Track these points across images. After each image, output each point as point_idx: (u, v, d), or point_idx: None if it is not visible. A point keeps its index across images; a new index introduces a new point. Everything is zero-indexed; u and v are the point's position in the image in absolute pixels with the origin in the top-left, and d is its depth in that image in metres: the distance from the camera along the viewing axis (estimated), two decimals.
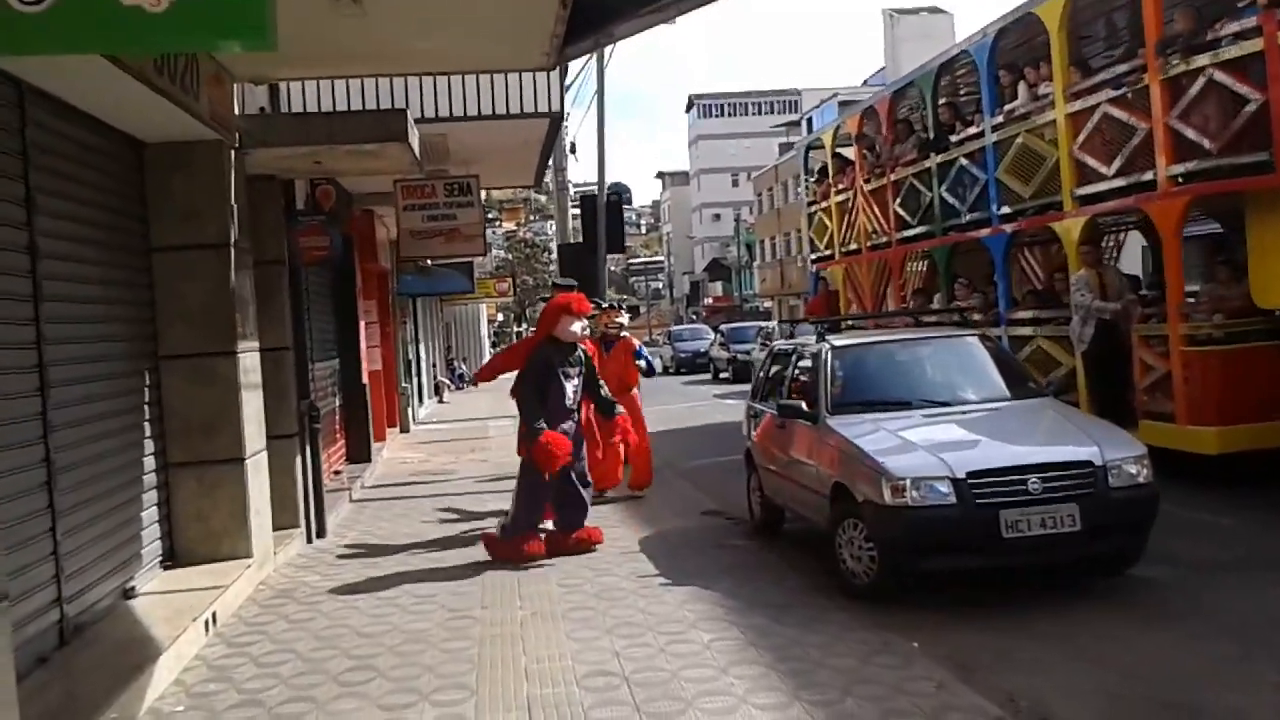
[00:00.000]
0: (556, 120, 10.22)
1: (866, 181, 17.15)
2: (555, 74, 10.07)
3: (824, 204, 19.40)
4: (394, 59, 8.02)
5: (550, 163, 24.01)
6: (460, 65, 8.16)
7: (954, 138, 14.26)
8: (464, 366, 37.05)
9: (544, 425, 8.51)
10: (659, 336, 50.90)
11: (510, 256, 47.30)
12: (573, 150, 24.12)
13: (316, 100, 9.70)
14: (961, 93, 16.16)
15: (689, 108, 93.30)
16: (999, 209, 13.13)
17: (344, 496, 12.24)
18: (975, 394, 7.85)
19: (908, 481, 6.58)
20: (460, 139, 11.15)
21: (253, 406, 8.19)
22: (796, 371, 8.78)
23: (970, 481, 6.53)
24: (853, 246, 18.08)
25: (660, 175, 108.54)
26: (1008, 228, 13.08)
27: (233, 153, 8.03)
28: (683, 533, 9.52)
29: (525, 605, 7.19)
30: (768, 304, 66.22)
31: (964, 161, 13.89)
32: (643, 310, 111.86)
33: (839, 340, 8.48)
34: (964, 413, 7.53)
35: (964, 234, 14.13)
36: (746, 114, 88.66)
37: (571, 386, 8.91)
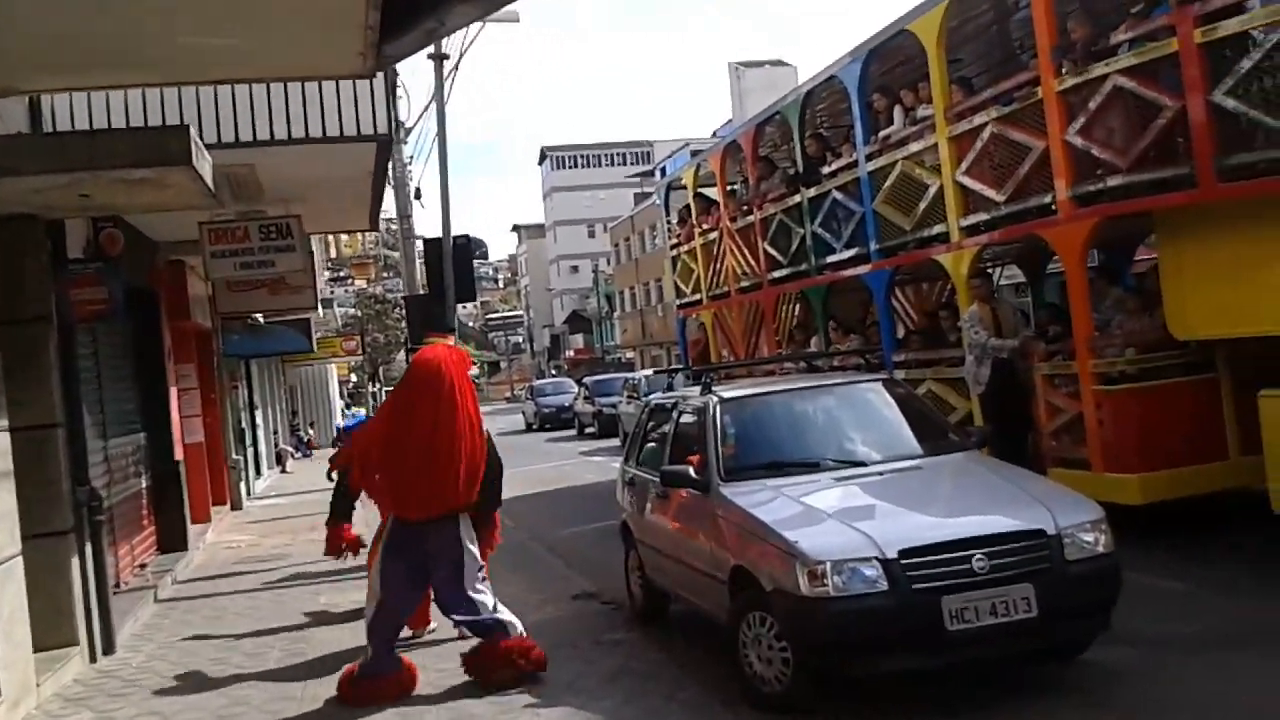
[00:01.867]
0: (385, 145, 8.76)
1: (733, 220, 16.08)
2: (380, 91, 8.61)
3: (687, 246, 18.28)
4: (175, 63, 6.46)
5: (394, 208, 22.50)
6: (260, 71, 6.66)
7: (825, 169, 13.27)
8: (311, 431, 34.74)
9: None
10: (520, 392, 49.14)
11: (359, 313, 45.04)
12: (418, 196, 22.50)
13: (89, 122, 8.00)
14: (825, 124, 15.29)
15: (541, 159, 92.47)
16: (877, 244, 12.14)
17: (148, 597, 10.36)
18: (891, 449, 6.61)
19: (828, 565, 5.27)
20: (274, 171, 9.56)
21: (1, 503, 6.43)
22: (678, 430, 7.45)
23: (904, 562, 5.26)
24: (721, 290, 16.97)
25: (516, 228, 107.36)
26: (888, 264, 12.10)
27: None
28: (552, 625, 8.03)
29: None
30: (630, 354, 65.39)
31: (837, 194, 12.89)
32: (503, 365, 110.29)
33: (727, 392, 7.17)
34: (880, 473, 6.28)
35: (840, 272, 13.11)
36: (600, 165, 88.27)
37: None
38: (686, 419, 7.30)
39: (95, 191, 7.21)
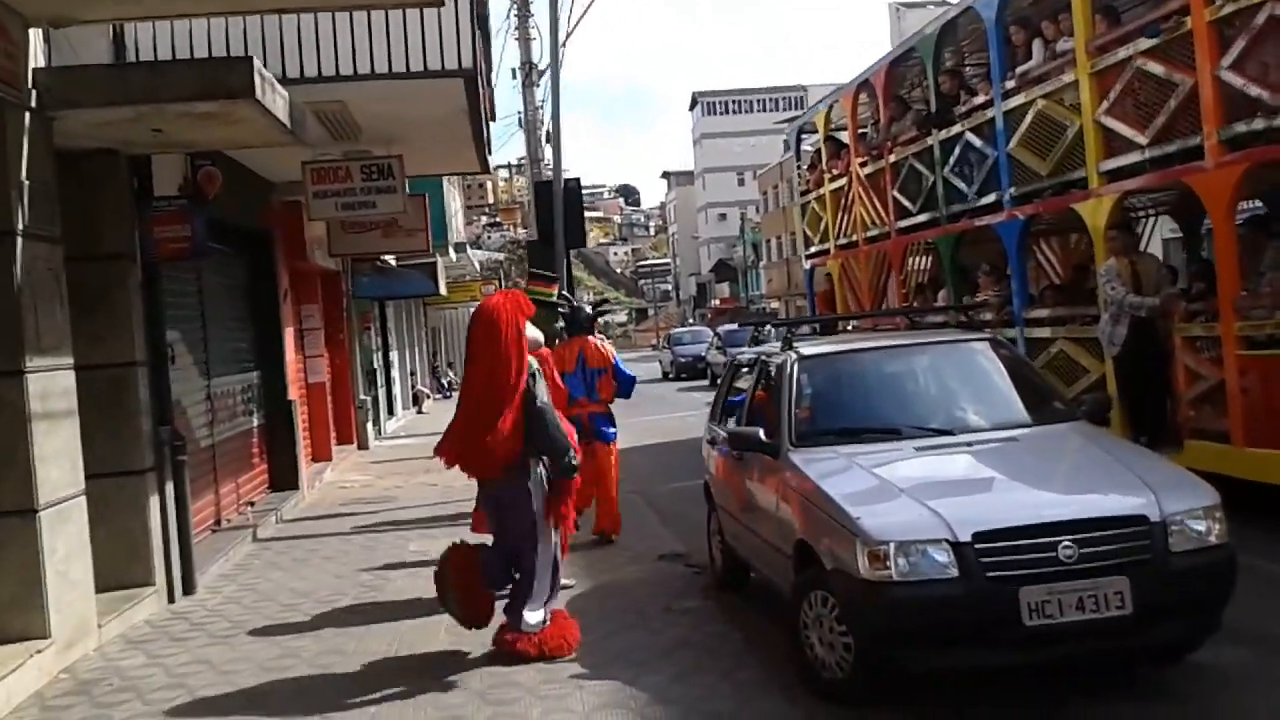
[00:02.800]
0: (471, 80, 8.37)
1: (863, 165, 15.26)
2: (465, 21, 8.21)
3: (817, 193, 17.51)
4: None
5: (526, 153, 22.30)
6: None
7: (959, 109, 12.37)
8: (451, 373, 35.24)
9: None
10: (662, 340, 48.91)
11: (502, 257, 45.41)
12: (548, 139, 22.25)
13: (172, 55, 7.80)
14: (968, 62, 14.27)
15: (693, 105, 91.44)
16: (1011, 190, 11.25)
17: (246, 536, 10.43)
18: (985, 418, 5.95)
19: (891, 546, 4.72)
20: (366, 109, 9.31)
21: (58, 441, 6.38)
22: (758, 388, 6.93)
23: (979, 546, 4.66)
24: (849, 239, 16.19)
25: (665, 175, 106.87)
26: (1022, 212, 11.20)
27: (27, 115, 6.23)
28: (627, 588, 7.68)
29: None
30: (774, 304, 64.36)
31: (970, 137, 12.00)
32: (650, 313, 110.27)
33: (808, 348, 6.59)
34: (969, 445, 5.64)
35: (972, 221, 12.24)
36: (751, 111, 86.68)
37: None
38: (766, 376, 6.77)
39: (166, 126, 7.07)
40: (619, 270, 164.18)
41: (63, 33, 7.36)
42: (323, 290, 16.78)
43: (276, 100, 7.04)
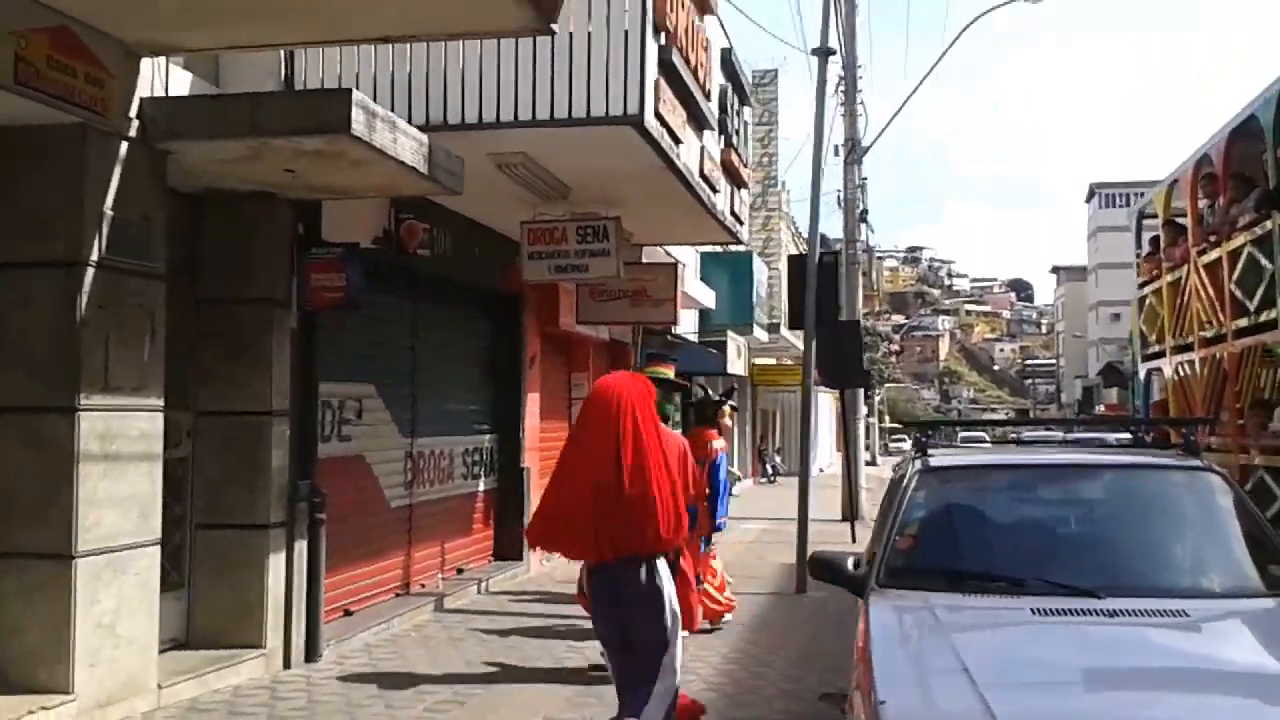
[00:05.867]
0: (639, 126, 7.49)
1: (1200, 254, 12.88)
2: (636, 64, 7.35)
3: (1153, 286, 15.08)
4: (319, 15, 5.75)
5: (844, 229, 21.06)
6: (406, 26, 5.79)
7: None
8: (778, 458, 34.25)
9: None
10: None
11: None
12: (863, 218, 21.03)
13: (356, 86, 7.51)
14: None
15: (1089, 197, 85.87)
16: None
17: (429, 604, 9.97)
18: (1153, 578, 4.24)
19: None
20: (553, 163, 8.66)
21: (123, 486, 6.08)
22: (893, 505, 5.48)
23: None
24: (1185, 340, 13.71)
25: (1055, 270, 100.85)
26: None
27: (125, 145, 6.07)
28: None
29: None
30: None
31: None
32: (1031, 415, 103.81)
33: (942, 458, 5.10)
34: (1114, 614, 3.97)
35: None
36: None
37: None
38: (891, 491, 5.32)
39: (297, 166, 6.75)
40: (1007, 370, 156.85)
41: (227, 68, 7.35)
42: (609, 360, 16.44)
43: (399, 140, 6.53)
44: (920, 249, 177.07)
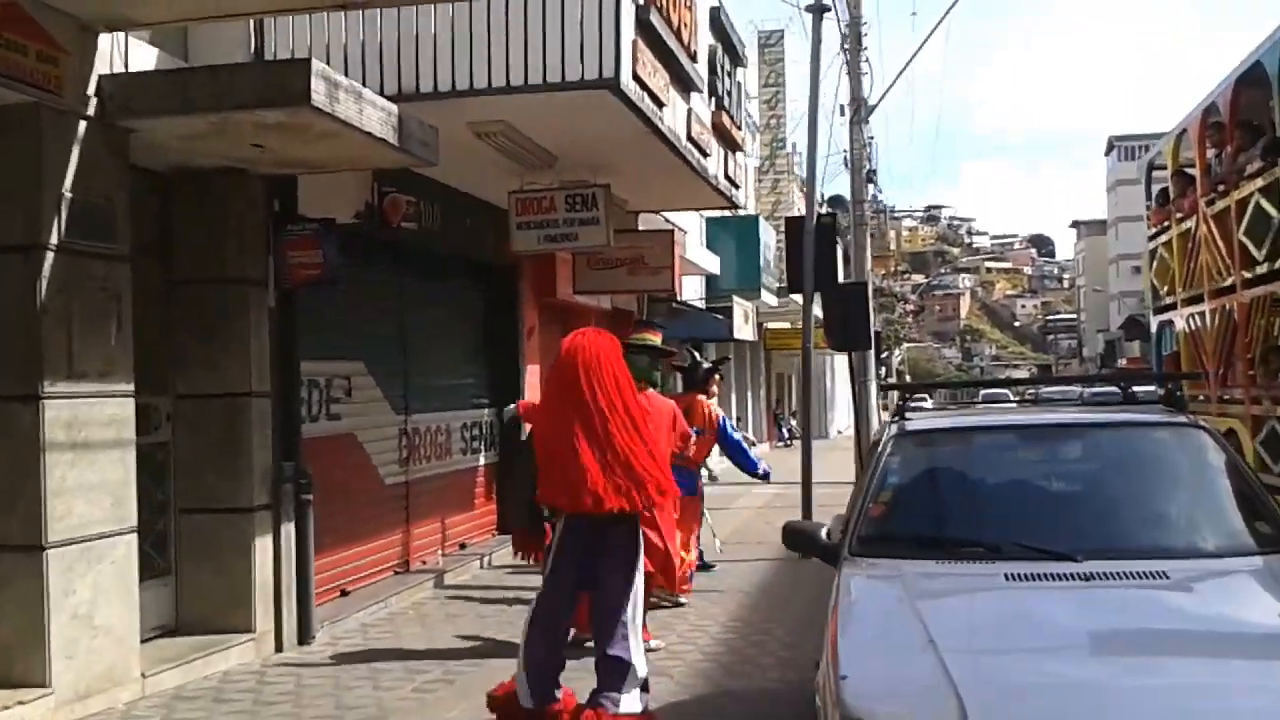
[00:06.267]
0: (615, 89, 7.28)
1: (1209, 204, 12.60)
2: (611, 25, 7.12)
3: (1164, 238, 14.81)
4: None
5: (850, 189, 20.81)
6: None
7: None
8: (793, 421, 34.10)
9: None
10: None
11: None
12: (870, 178, 20.73)
13: (327, 60, 7.31)
14: None
15: (1109, 150, 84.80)
16: None
17: (429, 581, 9.89)
18: (1136, 539, 4.07)
19: None
20: (534, 131, 8.43)
21: (93, 474, 5.97)
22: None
23: None
24: (1195, 291, 13.46)
25: (1075, 224, 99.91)
26: None
27: (82, 124, 5.93)
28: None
29: None
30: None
31: None
32: (1054, 370, 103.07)
33: (920, 421, 4.93)
34: (1089, 578, 3.80)
35: None
36: None
37: None
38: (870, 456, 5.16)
39: (265, 141, 6.60)
40: (1023, 325, 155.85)
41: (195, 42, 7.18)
42: (612, 330, 16.26)
43: (365, 111, 6.37)
44: (939, 208, 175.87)
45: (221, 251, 7.32)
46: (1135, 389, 5.42)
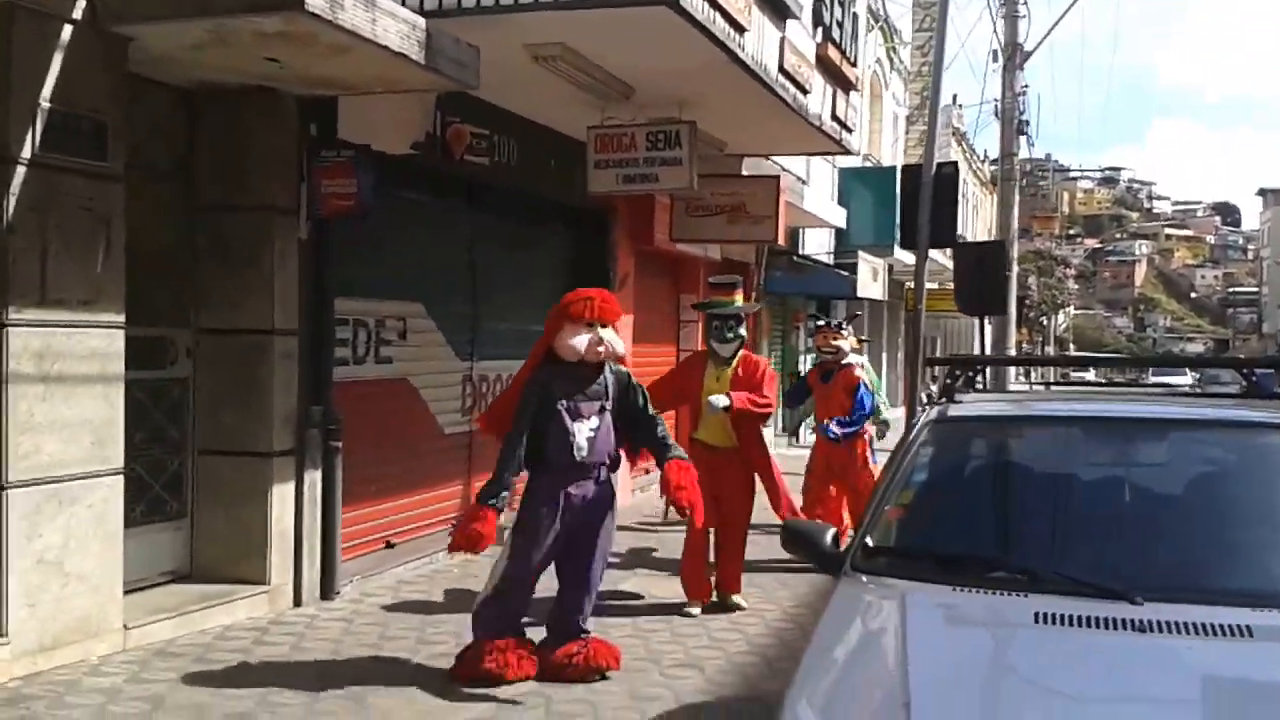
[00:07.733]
0: (671, 4, 6.37)
1: None
2: None
3: None
4: None
5: (1000, 141, 19.28)
6: None
7: None
8: (933, 385, 32.61)
9: (501, 497, 5.61)
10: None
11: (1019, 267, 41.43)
12: (1021, 130, 19.09)
13: None
14: None
15: None
16: None
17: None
18: (1221, 579, 3.11)
19: None
20: (599, 56, 7.61)
21: (69, 410, 5.50)
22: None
23: None
24: None
25: (1262, 192, 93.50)
26: None
27: (67, 29, 5.41)
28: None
29: None
30: None
31: None
32: (1233, 345, 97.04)
33: (971, 406, 3.99)
34: (1166, 627, 2.85)
35: None
36: None
37: (585, 429, 5.73)
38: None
39: (282, 55, 6.00)
40: (1201, 296, 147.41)
41: None
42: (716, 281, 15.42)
43: (379, 21, 5.69)
44: (1119, 169, 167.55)
45: (246, 176, 6.78)
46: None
